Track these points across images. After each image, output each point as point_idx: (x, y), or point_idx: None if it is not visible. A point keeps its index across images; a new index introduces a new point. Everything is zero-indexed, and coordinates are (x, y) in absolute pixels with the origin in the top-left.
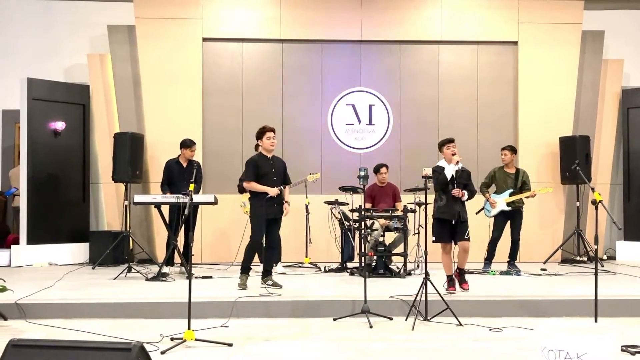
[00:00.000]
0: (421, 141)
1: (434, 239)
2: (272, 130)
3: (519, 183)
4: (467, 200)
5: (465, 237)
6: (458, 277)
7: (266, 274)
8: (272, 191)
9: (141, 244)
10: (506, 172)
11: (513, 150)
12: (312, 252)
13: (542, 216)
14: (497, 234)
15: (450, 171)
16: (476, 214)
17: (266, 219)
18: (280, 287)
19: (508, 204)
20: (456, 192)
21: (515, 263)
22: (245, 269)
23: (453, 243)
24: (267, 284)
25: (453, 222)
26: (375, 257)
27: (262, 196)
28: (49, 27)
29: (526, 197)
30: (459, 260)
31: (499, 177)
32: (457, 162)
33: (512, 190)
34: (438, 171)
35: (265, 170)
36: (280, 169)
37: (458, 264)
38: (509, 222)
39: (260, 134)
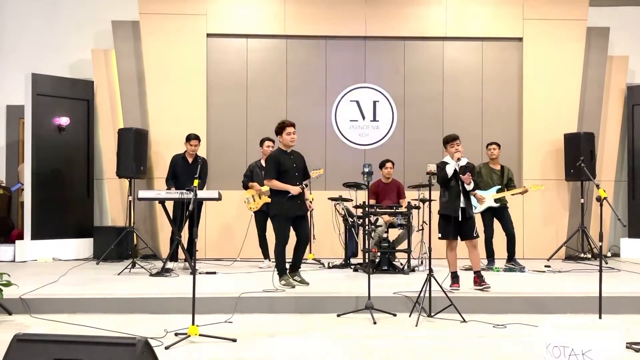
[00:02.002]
0: (425, 138)
1: (439, 235)
2: (292, 125)
3: (505, 180)
4: (472, 189)
5: (474, 234)
6: (477, 280)
7: (294, 269)
8: (294, 190)
9: (145, 239)
10: (492, 168)
11: (499, 146)
12: (315, 249)
13: (546, 213)
14: (489, 232)
15: (452, 167)
16: None
17: (292, 216)
18: (307, 284)
19: (495, 201)
20: (466, 177)
21: (519, 260)
22: (282, 270)
23: (459, 239)
24: (295, 280)
25: (459, 219)
26: (379, 254)
27: (283, 194)
28: (53, 22)
29: (513, 194)
30: (472, 261)
31: (484, 173)
32: (459, 159)
33: (499, 186)
34: (441, 167)
35: (287, 167)
36: (300, 163)
37: (473, 266)
38: (496, 219)
39: (280, 129)
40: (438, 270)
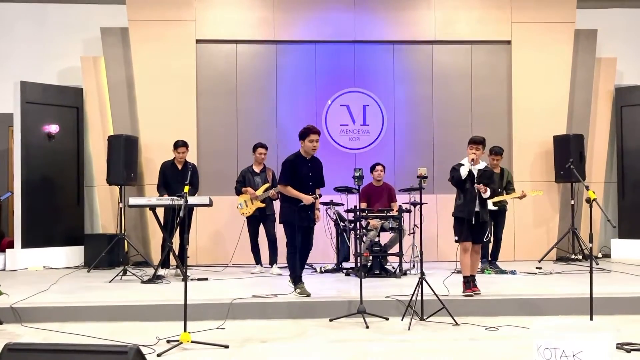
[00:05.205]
0: (415, 141)
1: (456, 238)
2: (318, 133)
3: (504, 183)
4: (489, 197)
5: (485, 239)
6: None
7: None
8: (307, 199)
9: (136, 246)
10: None
11: (501, 154)
12: None
13: (537, 215)
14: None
15: (466, 169)
16: None
17: (301, 226)
18: (309, 295)
19: (494, 204)
20: (480, 187)
21: (510, 262)
22: (297, 278)
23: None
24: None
25: (472, 222)
26: (370, 258)
27: (295, 202)
28: (42, 30)
29: (512, 198)
30: (471, 265)
31: None
32: (472, 160)
33: (498, 190)
34: (456, 168)
35: (302, 174)
36: (317, 171)
37: (470, 270)
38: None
39: (304, 135)
40: (430, 274)
